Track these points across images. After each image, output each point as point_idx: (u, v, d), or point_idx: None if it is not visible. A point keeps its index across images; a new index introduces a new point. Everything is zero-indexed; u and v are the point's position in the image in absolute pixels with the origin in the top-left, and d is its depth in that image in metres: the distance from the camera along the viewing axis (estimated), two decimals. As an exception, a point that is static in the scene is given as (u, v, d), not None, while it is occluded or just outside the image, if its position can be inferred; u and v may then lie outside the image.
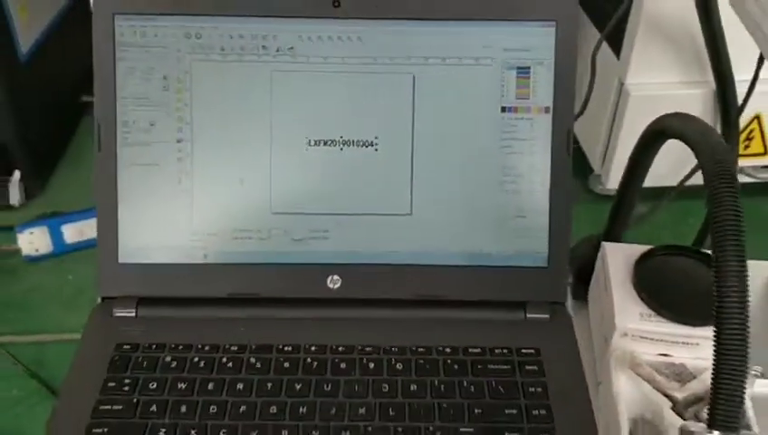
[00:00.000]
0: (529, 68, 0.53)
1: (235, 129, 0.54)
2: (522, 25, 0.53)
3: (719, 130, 1.09)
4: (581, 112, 0.99)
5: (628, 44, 1.06)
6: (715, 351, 0.41)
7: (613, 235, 0.66)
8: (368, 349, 0.51)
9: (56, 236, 1.13)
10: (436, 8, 0.53)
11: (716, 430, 0.41)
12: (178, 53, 0.53)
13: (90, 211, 1.15)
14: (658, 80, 1.07)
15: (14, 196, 1.22)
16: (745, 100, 1.01)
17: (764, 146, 1.15)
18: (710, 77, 1.06)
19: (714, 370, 0.41)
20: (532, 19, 0.53)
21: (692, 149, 0.48)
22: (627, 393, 0.51)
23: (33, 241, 1.13)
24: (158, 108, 0.53)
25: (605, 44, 1.12)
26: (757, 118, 1.11)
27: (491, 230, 0.54)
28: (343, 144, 0.54)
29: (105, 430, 0.46)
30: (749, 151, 1.14)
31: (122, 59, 0.53)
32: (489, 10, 0.53)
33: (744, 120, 1.09)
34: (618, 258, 0.58)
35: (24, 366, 0.98)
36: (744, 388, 0.41)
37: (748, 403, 0.48)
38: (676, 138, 0.52)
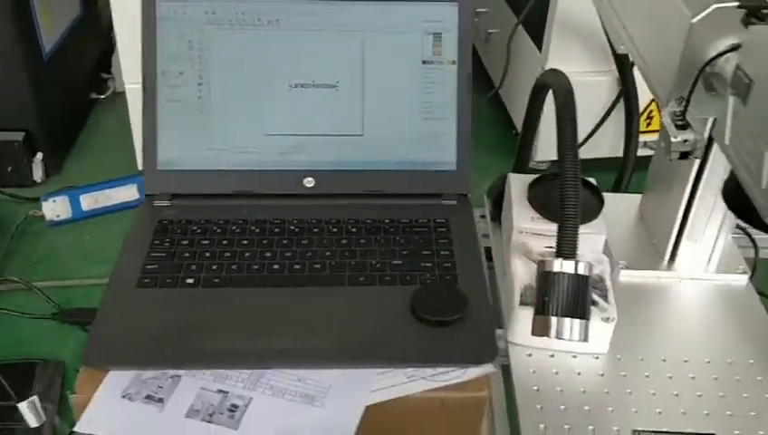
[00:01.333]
0: (441, 33, 0.80)
1: (239, 76, 0.80)
2: (435, 5, 0.81)
3: (624, 111, 1.36)
4: (501, 85, 1.25)
5: (546, 40, 1.34)
6: (560, 217, 0.64)
7: (519, 169, 0.91)
8: (332, 221, 0.78)
9: (75, 204, 1.37)
10: (379, -6, 0.80)
11: (560, 257, 0.62)
12: (200, 24, 0.80)
13: (102, 184, 1.40)
14: (573, 69, 1.33)
15: (37, 173, 1.46)
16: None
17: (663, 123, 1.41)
18: (614, 66, 1.34)
19: (558, 226, 0.64)
20: (442, 0, 0.80)
21: (552, 93, 0.71)
22: (520, 270, 0.71)
23: (55, 208, 1.37)
24: (185, 62, 0.80)
25: (529, 39, 1.41)
26: (655, 100, 1.38)
27: (417, 146, 0.81)
28: (314, 86, 0.81)
29: (156, 266, 0.72)
30: (650, 128, 1.41)
31: (161, 29, 0.80)
32: (414, -6, 0.80)
33: (643, 101, 1.37)
34: (518, 183, 0.81)
35: (56, 304, 1.21)
36: (577, 236, 0.63)
37: (610, 289, 0.69)
38: (548, 87, 0.77)
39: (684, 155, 0.68)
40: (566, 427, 0.62)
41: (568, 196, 0.63)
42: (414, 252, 0.74)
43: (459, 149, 0.81)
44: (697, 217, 0.76)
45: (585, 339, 0.62)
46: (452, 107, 0.81)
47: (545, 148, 1.35)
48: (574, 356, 0.69)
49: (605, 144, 1.41)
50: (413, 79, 0.81)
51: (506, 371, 0.68)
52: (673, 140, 0.67)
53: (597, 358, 0.69)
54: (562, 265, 0.63)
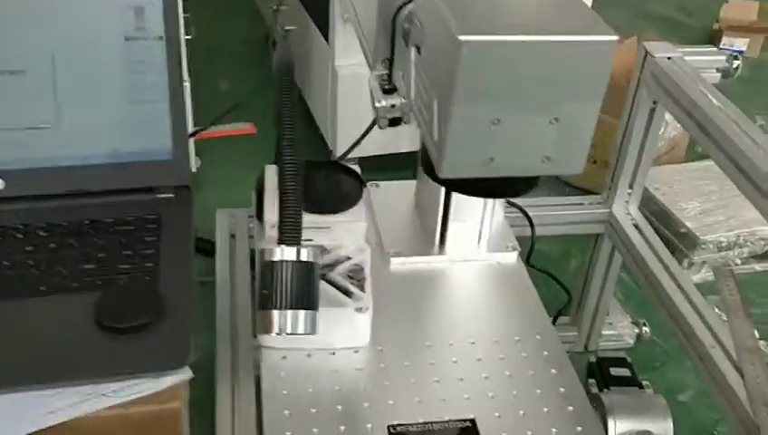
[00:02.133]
0: (143, 7, 0.72)
1: None
2: (131, -25, 0.72)
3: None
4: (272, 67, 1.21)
5: (332, 33, 1.30)
6: (279, 204, 0.59)
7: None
8: (19, 227, 0.68)
9: None
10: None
11: (282, 244, 0.58)
12: None
13: None
14: (361, 60, 1.31)
15: None
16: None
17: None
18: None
19: (279, 214, 0.59)
20: (139, -30, 0.72)
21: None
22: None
23: None
24: None
25: (319, 33, 1.37)
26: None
27: (126, 135, 0.73)
28: (-1, 74, 0.71)
29: None
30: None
31: None
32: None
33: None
34: (273, 174, 0.74)
35: None
36: (299, 221, 0.59)
37: (368, 278, 0.66)
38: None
39: (394, 122, 0.64)
40: (315, 431, 0.57)
41: (287, 179, 0.59)
42: (112, 254, 0.66)
43: (175, 136, 0.73)
44: (459, 196, 0.73)
45: (313, 331, 0.58)
46: (163, 88, 0.73)
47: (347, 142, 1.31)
48: (332, 353, 0.64)
49: (404, 139, 1.38)
50: (115, 58, 0.72)
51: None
52: (377, 105, 0.63)
53: (357, 352, 0.65)
54: (284, 253, 0.58)
